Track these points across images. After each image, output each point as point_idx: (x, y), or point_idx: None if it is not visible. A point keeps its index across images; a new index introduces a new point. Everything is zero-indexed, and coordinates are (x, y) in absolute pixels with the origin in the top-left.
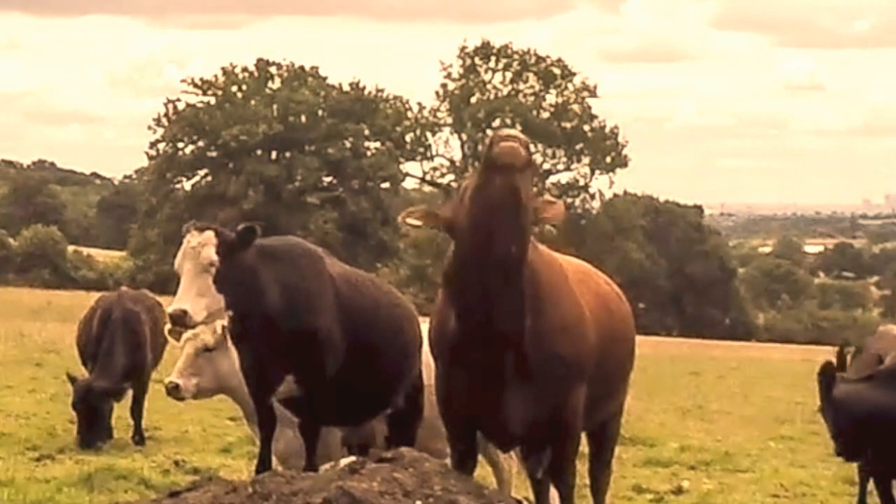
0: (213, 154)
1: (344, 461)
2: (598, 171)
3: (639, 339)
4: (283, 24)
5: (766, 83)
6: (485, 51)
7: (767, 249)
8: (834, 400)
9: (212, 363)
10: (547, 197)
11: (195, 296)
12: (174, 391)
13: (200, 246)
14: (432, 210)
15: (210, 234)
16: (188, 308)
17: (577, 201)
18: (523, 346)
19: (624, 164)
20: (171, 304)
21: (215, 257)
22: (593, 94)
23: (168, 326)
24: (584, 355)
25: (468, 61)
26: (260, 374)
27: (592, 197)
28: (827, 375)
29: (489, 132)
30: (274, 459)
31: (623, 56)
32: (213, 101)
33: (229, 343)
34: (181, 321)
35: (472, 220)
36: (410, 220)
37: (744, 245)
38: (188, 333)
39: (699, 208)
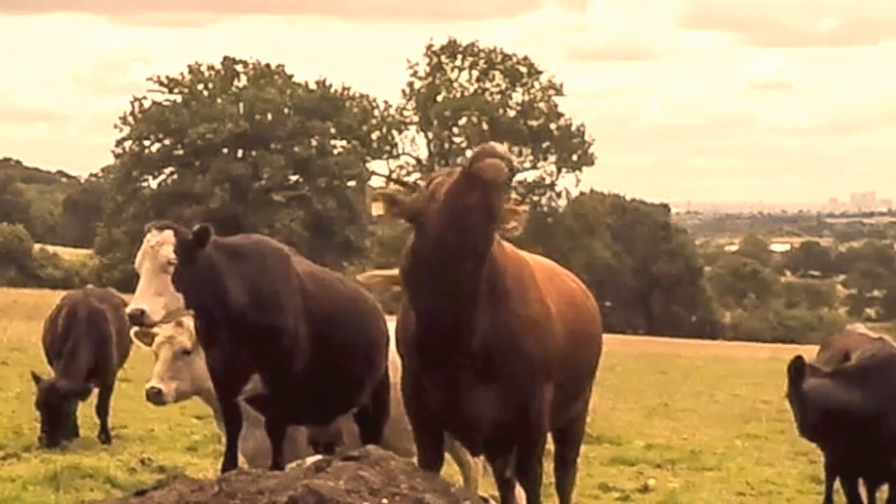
0: (180, 152)
1: (310, 459)
2: (564, 170)
3: (605, 337)
4: (249, 23)
5: (733, 82)
6: (451, 49)
7: (734, 248)
8: (802, 392)
9: (189, 366)
10: (511, 205)
11: (153, 295)
12: (156, 396)
13: (159, 245)
14: (398, 197)
15: (169, 233)
16: (146, 307)
17: (544, 199)
18: (473, 345)
19: (590, 163)
20: (128, 304)
21: (173, 256)
22: (560, 92)
23: (135, 330)
24: (550, 354)
25: (434, 60)
26: (226, 373)
27: (559, 195)
28: (797, 367)
29: (455, 130)
30: (241, 458)
31: (589, 54)
32: (179, 99)
33: None
34: (139, 320)
35: (442, 222)
36: (374, 207)
37: (710, 244)
38: (161, 337)
39: (666, 207)
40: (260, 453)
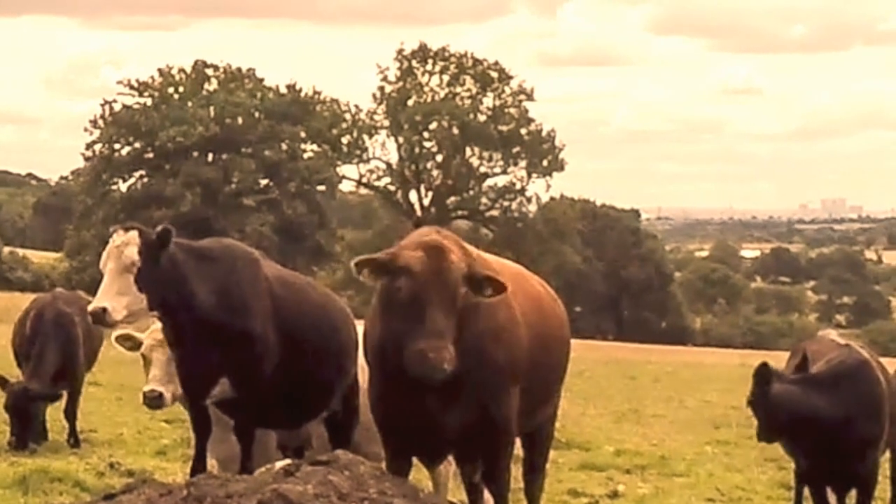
0: (150, 156)
1: (279, 464)
2: (534, 175)
3: (575, 342)
4: (220, 26)
5: (703, 88)
6: (422, 54)
7: (704, 254)
8: (769, 397)
9: None
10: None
11: (115, 294)
12: (157, 400)
13: (123, 245)
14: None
15: (134, 233)
16: (108, 306)
17: (514, 205)
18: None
19: (561, 168)
20: (91, 303)
21: (136, 257)
22: (530, 97)
23: (116, 334)
24: (517, 359)
25: (405, 64)
26: (194, 376)
27: (529, 200)
28: (763, 374)
29: (426, 134)
30: (214, 462)
31: (560, 60)
32: (149, 102)
33: None
34: (100, 319)
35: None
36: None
37: (680, 249)
38: (151, 340)
39: (636, 212)
40: (234, 458)
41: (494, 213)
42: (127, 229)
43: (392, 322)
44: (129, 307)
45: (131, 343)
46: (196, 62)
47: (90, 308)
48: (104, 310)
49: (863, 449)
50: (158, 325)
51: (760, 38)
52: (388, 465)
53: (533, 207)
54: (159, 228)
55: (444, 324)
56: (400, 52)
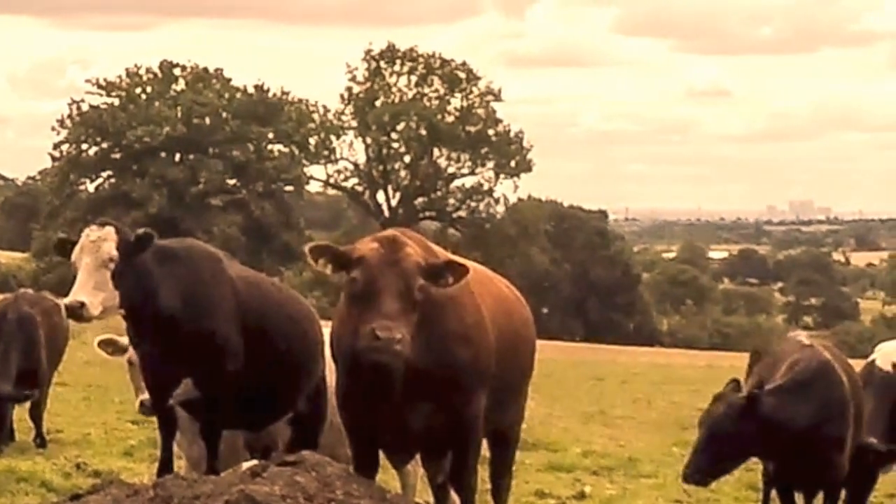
0: (117, 156)
1: (246, 465)
2: (502, 176)
3: (542, 343)
4: (188, 27)
5: (671, 89)
6: (390, 54)
7: (672, 255)
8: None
9: None
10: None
11: (93, 289)
12: (149, 410)
13: (100, 241)
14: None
15: (111, 229)
16: (86, 300)
17: (482, 206)
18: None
19: (528, 169)
20: (67, 297)
21: (115, 253)
22: (498, 98)
23: (99, 339)
24: (483, 361)
25: (373, 64)
26: (157, 376)
27: (497, 201)
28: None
29: (394, 135)
30: (185, 463)
31: (528, 61)
32: (116, 102)
33: None
34: (77, 313)
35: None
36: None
37: (648, 250)
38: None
39: (603, 213)
40: (204, 459)
41: (462, 214)
42: (102, 225)
43: (352, 318)
44: (104, 303)
45: (114, 348)
46: (163, 62)
47: (66, 301)
48: (82, 304)
49: (828, 450)
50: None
51: (729, 39)
52: (355, 466)
53: (500, 208)
54: (141, 231)
55: (397, 309)
56: (368, 52)
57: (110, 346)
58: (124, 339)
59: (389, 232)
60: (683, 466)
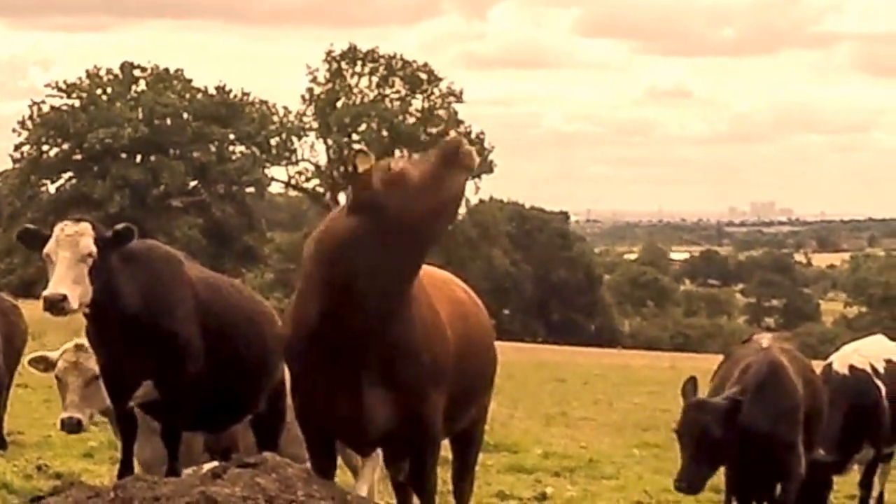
0: (78, 157)
1: (206, 466)
2: None
3: (504, 345)
4: (148, 28)
5: (633, 90)
6: (351, 55)
7: (633, 256)
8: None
9: (99, 389)
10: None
11: (72, 283)
12: (77, 427)
13: (78, 235)
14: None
15: (86, 225)
16: (68, 293)
17: None
18: (383, 344)
19: (490, 170)
20: (47, 289)
21: (94, 248)
22: (459, 99)
23: (29, 357)
24: (442, 362)
25: (334, 65)
26: (117, 378)
27: None
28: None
29: (355, 136)
30: (137, 465)
31: (489, 62)
32: (77, 103)
33: None
34: (59, 305)
35: (423, 207)
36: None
37: (609, 252)
38: (64, 363)
39: (565, 215)
40: (157, 461)
41: None
42: (77, 220)
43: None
44: (81, 298)
45: (44, 365)
46: (124, 63)
47: (47, 293)
48: (64, 296)
49: (779, 454)
50: (70, 344)
51: (690, 40)
52: (312, 467)
53: (462, 210)
54: (121, 227)
55: None
56: (329, 53)
57: (41, 364)
58: (54, 354)
59: None
60: (676, 479)
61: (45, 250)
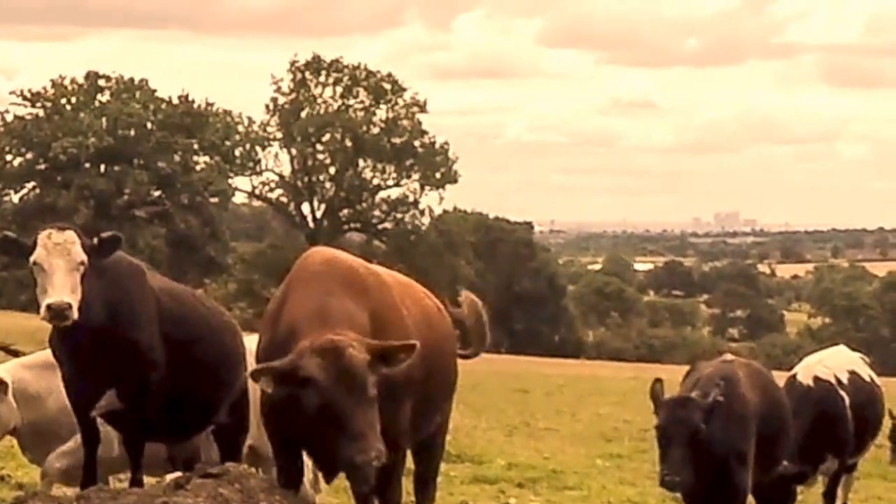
0: (43, 167)
1: (169, 477)
2: (427, 187)
3: None
4: (114, 37)
5: (597, 100)
6: (315, 65)
7: (597, 267)
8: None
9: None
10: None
11: (71, 292)
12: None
13: (68, 244)
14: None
15: (72, 233)
16: (73, 303)
17: (407, 217)
18: None
19: (454, 180)
20: (49, 297)
21: (84, 257)
22: (423, 109)
23: None
24: (408, 371)
25: (298, 75)
26: (80, 388)
27: (422, 213)
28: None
29: (319, 146)
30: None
31: (453, 72)
32: (42, 113)
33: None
34: (64, 315)
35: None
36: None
37: (574, 262)
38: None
39: (529, 225)
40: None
41: (387, 225)
42: (62, 228)
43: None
44: (78, 306)
45: None
46: (89, 73)
47: (52, 301)
48: (70, 305)
49: (727, 464)
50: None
51: (654, 51)
52: (279, 478)
53: (426, 220)
54: (107, 234)
55: (364, 421)
56: (293, 63)
57: None
58: (5, 376)
59: (326, 339)
60: (664, 472)
61: (34, 258)
